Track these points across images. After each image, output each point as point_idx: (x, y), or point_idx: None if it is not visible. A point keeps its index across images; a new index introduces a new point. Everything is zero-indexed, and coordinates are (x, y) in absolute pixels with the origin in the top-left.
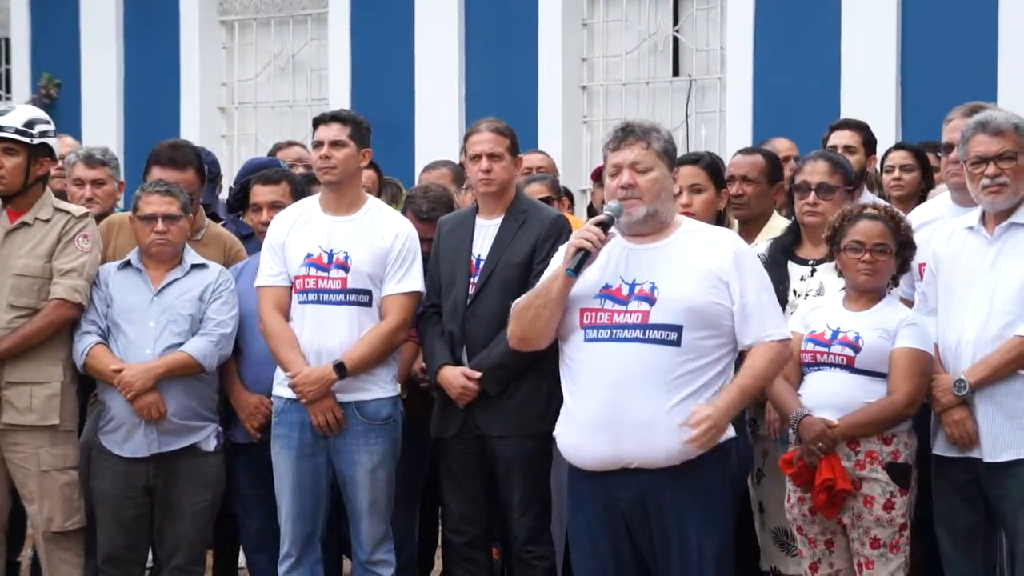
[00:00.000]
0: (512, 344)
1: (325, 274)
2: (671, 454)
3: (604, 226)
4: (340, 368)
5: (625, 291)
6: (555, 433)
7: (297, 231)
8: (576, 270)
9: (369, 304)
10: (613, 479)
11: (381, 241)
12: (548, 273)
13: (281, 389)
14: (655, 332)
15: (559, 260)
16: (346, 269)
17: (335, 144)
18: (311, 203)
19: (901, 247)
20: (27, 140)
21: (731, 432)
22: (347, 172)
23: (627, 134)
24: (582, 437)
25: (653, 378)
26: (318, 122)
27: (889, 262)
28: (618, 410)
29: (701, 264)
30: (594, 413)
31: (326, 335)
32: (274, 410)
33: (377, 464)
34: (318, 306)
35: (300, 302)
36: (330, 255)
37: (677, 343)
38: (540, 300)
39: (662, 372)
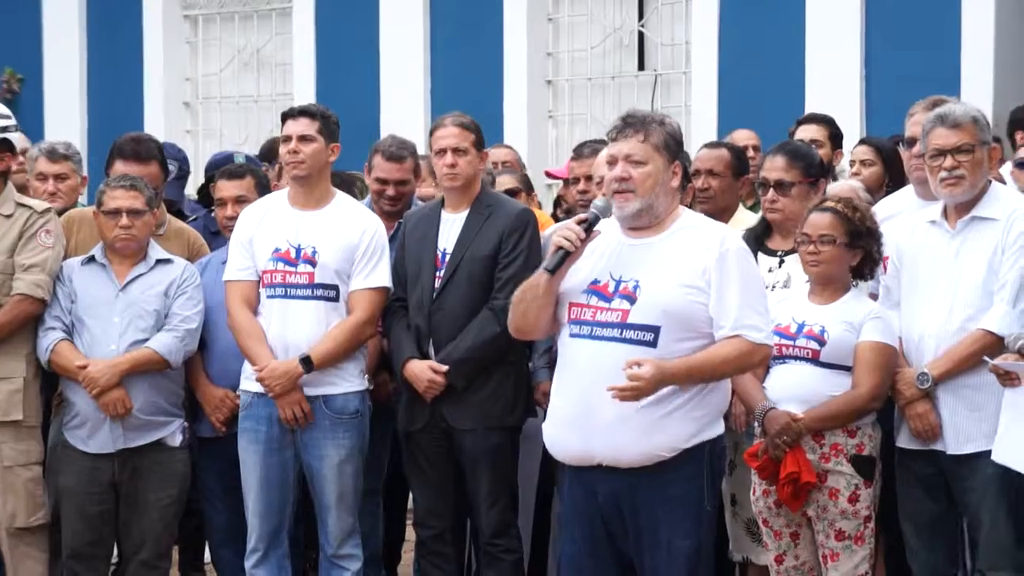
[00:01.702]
0: (511, 332)
1: (292, 269)
2: (641, 455)
3: (588, 225)
4: (306, 362)
5: (611, 288)
6: (543, 426)
7: (265, 225)
8: (554, 269)
9: (336, 299)
10: (590, 474)
11: (349, 236)
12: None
13: (248, 383)
14: (632, 332)
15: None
16: (313, 264)
17: (303, 139)
18: (279, 197)
19: (855, 237)
20: None
21: (716, 430)
22: (315, 166)
23: (626, 125)
24: (558, 431)
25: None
26: (286, 116)
27: (836, 252)
28: (590, 408)
29: (686, 264)
30: (569, 409)
31: (293, 329)
32: (241, 404)
33: (344, 458)
34: (285, 300)
35: (268, 296)
36: (298, 250)
37: (653, 344)
38: (529, 294)
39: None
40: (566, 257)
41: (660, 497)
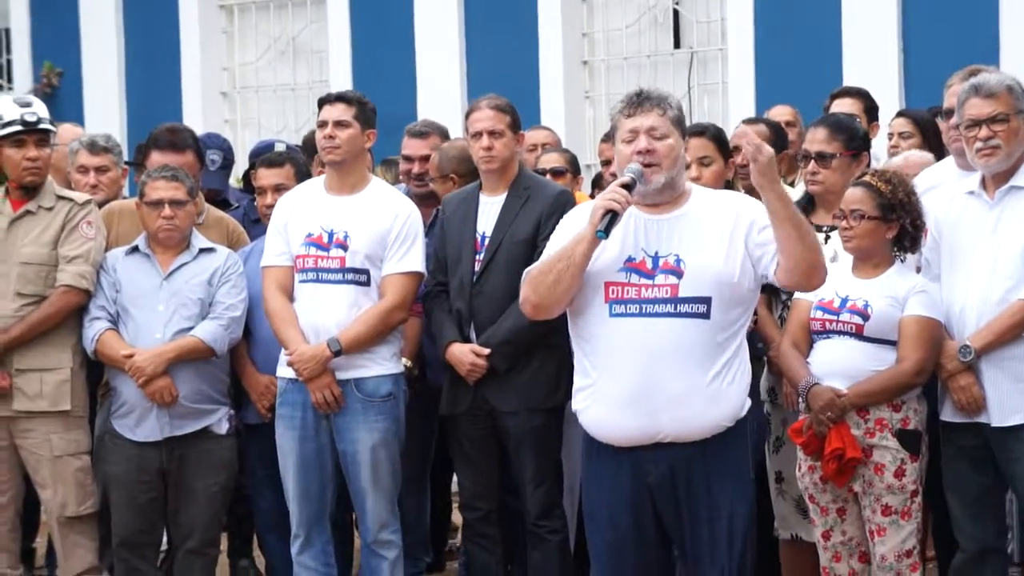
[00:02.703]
0: (526, 311)
1: (325, 253)
2: (705, 428)
3: (629, 187)
4: (336, 345)
5: (649, 264)
6: (577, 408)
7: (300, 211)
8: (607, 231)
9: (368, 283)
10: (642, 453)
11: (382, 221)
12: (556, 243)
13: (284, 369)
14: (685, 306)
15: (560, 234)
16: (345, 248)
17: (339, 124)
18: (316, 184)
19: (887, 211)
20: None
21: (748, 402)
22: (351, 152)
23: (643, 99)
24: (611, 412)
25: (686, 353)
26: (323, 102)
27: (869, 227)
28: (652, 386)
29: (721, 232)
30: (625, 389)
31: (324, 314)
32: (278, 390)
33: (378, 442)
34: (316, 285)
35: (300, 281)
36: (330, 234)
37: (707, 316)
38: (563, 263)
39: (694, 346)
40: (615, 220)
41: (717, 467)
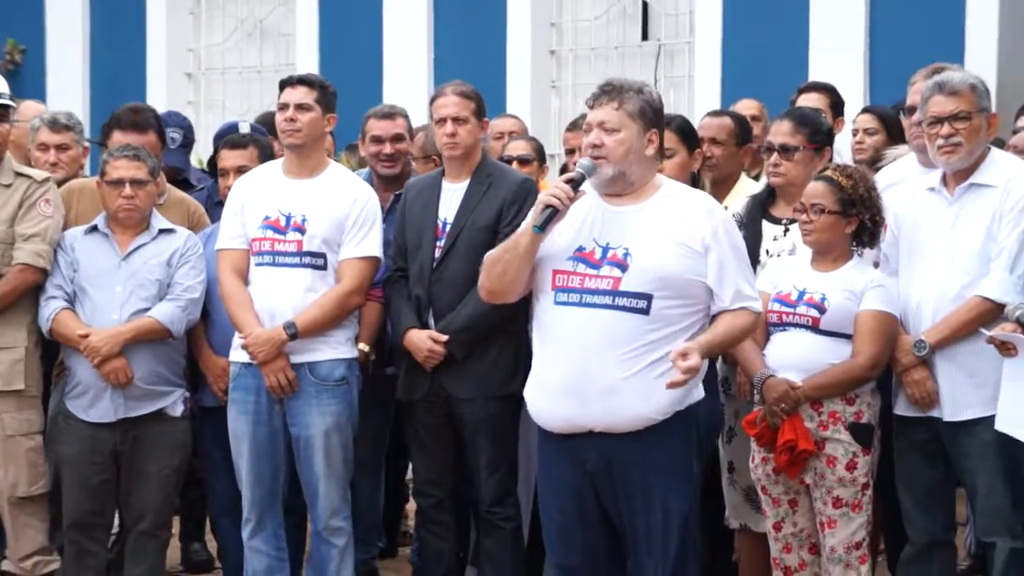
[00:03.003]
0: (482, 296)
1: (281, 236)
2: (635, 420)
3: (575, 183)
4: (291, 329)
5: (598, 254)
6: (525, 394)
7: (257, 194)
8: (543, 227)
9: (324, 267)
10: (579, 442)
11: (340, 205)
12: (519, 229)
13: (237, 353)
14: (625, 299)
15: (531, 218)
16: (302, 232)
17: (300, 107)
18: (274, 167)
19: (847, 205)
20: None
21: (699, 394)
22: (311, 135)
23: (602, 93)
24: (549, 400)
25: (620, 345)
26: (284, 85)
27: (828, 221)
28: (584, 376)
29: (677, 232)
30: (561, 377)
31: (280, 297)
32: (231, 374)
33: (331, 427)
34: (273, 268)
35: (256, 264)
36: (287, 218)
37: (646, 312)
38: (508, 254)
39: (629, 340)
40: (554, 215)
41: (652, 460)
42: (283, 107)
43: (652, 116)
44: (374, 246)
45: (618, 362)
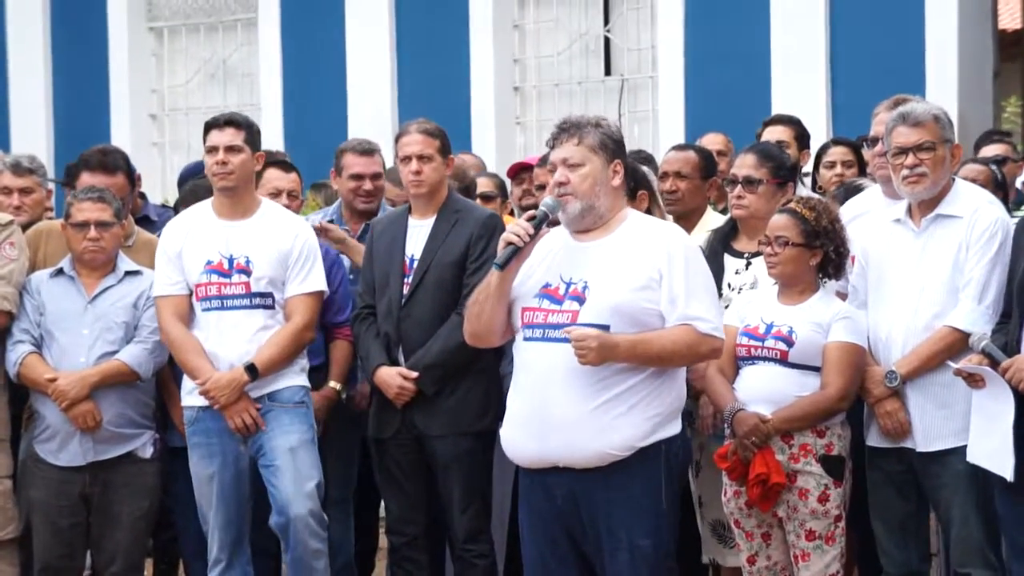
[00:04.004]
0: (467, 340)
1: (227, 280)
2: (596, 455)
3: (537, 221)
4: (251, 370)
5: (561, 290)
6: (501, 430)
7: (193, 239)
8: (503, 265)
9: (273, 307)
10: (548, 476)
11: (281, 243)
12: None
13: (191, 398)
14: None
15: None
16: (248, 273)
17: (231, 149)
18: (203, 209)
19: (811, 237)
20: None
21: (672, 430)
22: (243, 177)
23: (561, 131)
24: (514, 434)
25: (579, 379)
26: (211, 126)
27: (793, 253)
28: (545, 410)
29: (635, 262)
30: (525, 412)
31: (233, 340)
32: (186, 420)
33: (296, 444)
34: (222, 312)
35: (203, 310)
36: (231, 260)
37: None
38: (482, 295)
39: (588, 373)
40: (515, 253)
41: (618, 497)
42: (212, 150)
43: (613, 147)
44: (319, 280)
45: (576, 396)
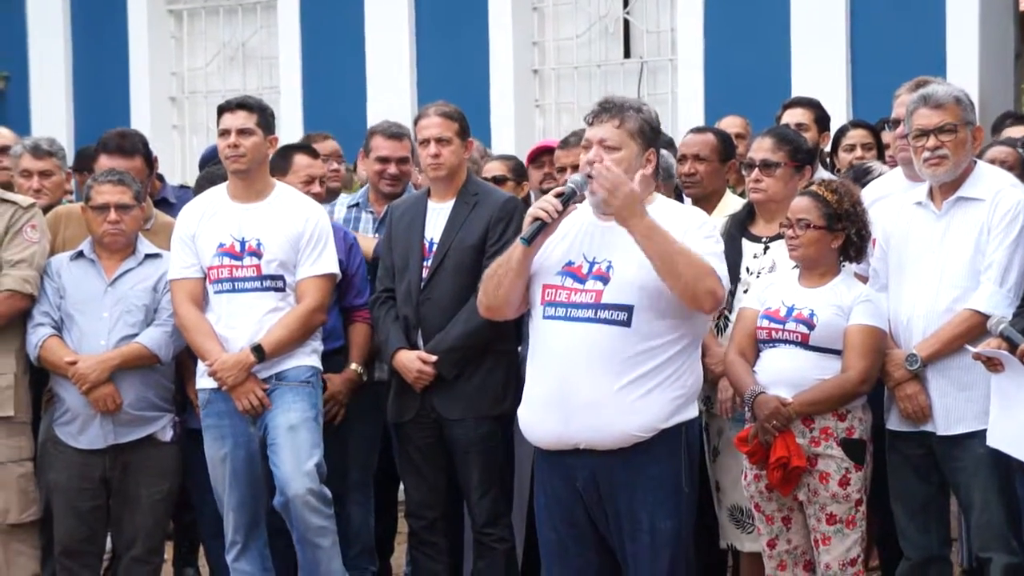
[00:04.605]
0: (481, 312)
1: (239, 262)
2: (619, 436)
3: (565, 198)
4: (258, 351)
5: (585, 269)
6: (518, 411)
7: (207, 222)
8: (530, 239)
9: (284, 289)
10: (568, 458)
11: (293, 226)
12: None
13: (204, 381)
14: (606, 312)
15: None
16: (259, 256)
17: (242, 132)
18: (218, 193)
19: (833, 220)
20: None
21: (692, 413)
22: (256, 160)
23: (602, 110)
24: (535, 416)
25: (602, 359)
26: (223, 110)
27: (814, 236)
28: (567, 391)
29: None
30: (546, 393)
31: (243, 322)
32: (200, 402)
33: (296, 422)
34: (233, 295)
35: (215, 292)
36: (242, 243)
37: (627, 324)
38: (502, 268)
39: (612, 353)
40: (542, 228)
41: (639, 479)
42: (224, 133)
43: (651, 135)
44: (331, 263)
45: (596, 377)
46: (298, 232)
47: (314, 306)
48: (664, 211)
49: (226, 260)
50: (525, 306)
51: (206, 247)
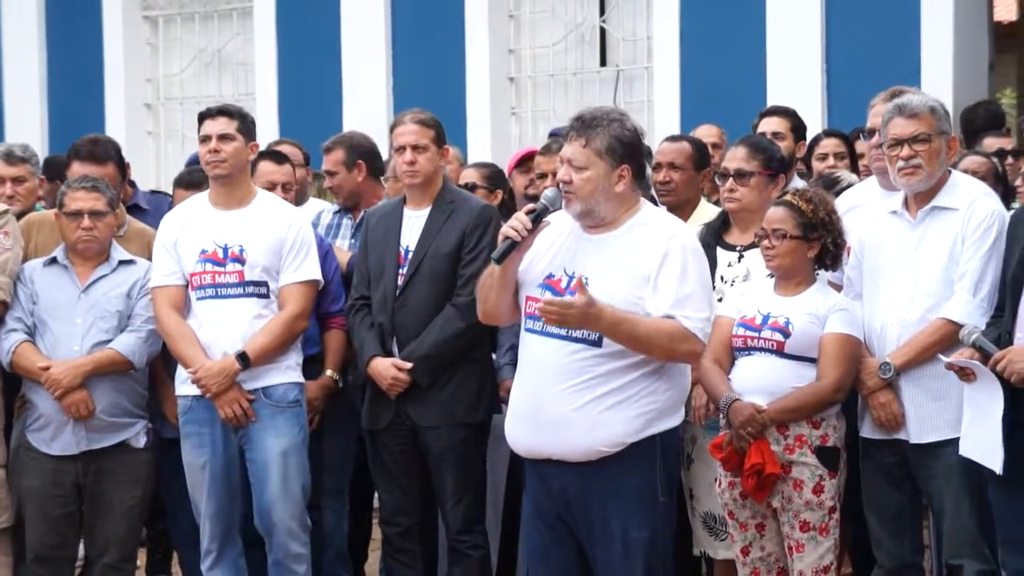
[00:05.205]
0: (479, 317)
1: (221, 268)
2: (585, 451)
3: (536, 215)
4: (243, 358)
5: (563, 283)
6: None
7: (189, 228)
8: (500, 258)
9: (267, 295)
10: (544, 467)
11: (275, 232)
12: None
13: (185, 387)
14: (578, 330)
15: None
16: (242, 262)
17: (223, 138)
18: (200, 200)
19: (808, 229)
20: None
21: (671, 422)
22: (237, 165)
23: (571, 128)
24: (512, 426)
25: (570, 376)
26: (204, 117)
27: (790, 246)
28: (537, 405)
29: (633, 262)
30: (521, 404)
31: (226, 329)
32: (180, 409)
33: (288, 448)
34: (216, 301)
35: (198, 298)
36: (225, 249)
37: (598, 343)
38: (488, 280)
39: (580, 371)
40: (513, 247)
41: (610, 490)
42: (205, 139)
43: (622, 151)
44: (313, 269)
45: (567, 393)
46: (280, 238)
47: (297, 312)
48: (646, 224)
49: (208, 266)
50: (519, 313)
51: (188, 254)
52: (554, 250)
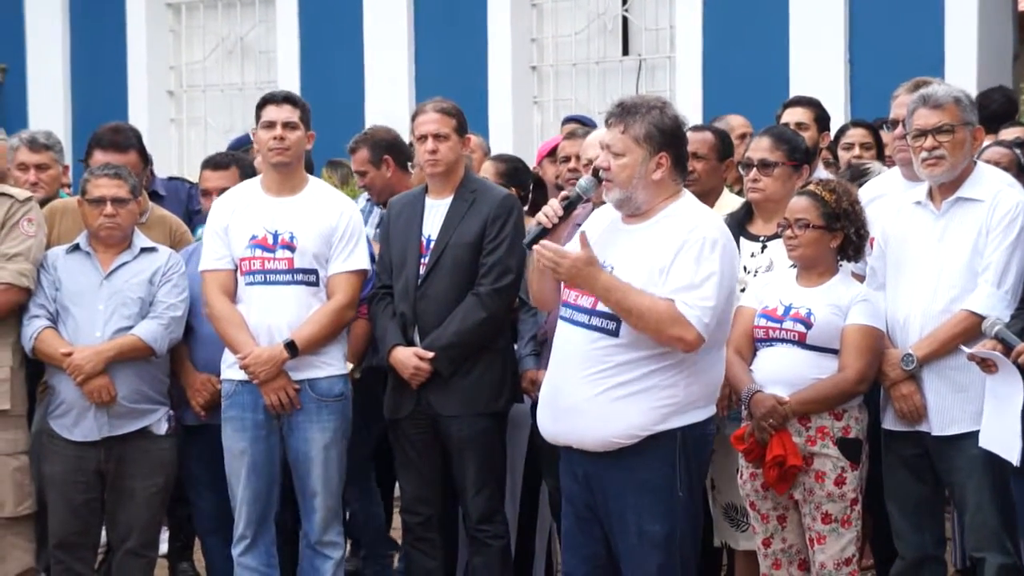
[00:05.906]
0: (531, 302)
1: (271, 255)
2: (600, 441)
3: (569, 203)
4: (291, 347)
5: None
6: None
7: (240, 214)
8: (529, 244)
9: (316, 283)
10: (569, 453)
11: (326, 220)
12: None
13: (231, 372)
14: (598, 319)
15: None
16: (292, 249)
17: (287, 125)
18: (252, 185)
19: (831, 220)
20: None
21: (696, 416)
22: (297, 154)
23: (611, 115)
24: (540, 410)
25: (587, 365)
26: (267, 101)
27: (813, 236)
28: (558, 390)
29: (652, 255)
30: (545, 391)
31: (275, 315)
32: (224, 393)
33: (330, 441)
34: (265, 287)
35: (247, 283)
36: (275, 236)
37: (615, 333)
38: (530, 266)
39: (596, 360)
40: (544, 233)
41: (628, 481)
42: (270, 125)
43: (661, 139)
44: (363, 259)
45: (583, 381)
46: (331, 227)
47: (346, 302)
48: (679, 216)
49: (258, 252)
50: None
51: (238, 239)
52: (595, 239)
